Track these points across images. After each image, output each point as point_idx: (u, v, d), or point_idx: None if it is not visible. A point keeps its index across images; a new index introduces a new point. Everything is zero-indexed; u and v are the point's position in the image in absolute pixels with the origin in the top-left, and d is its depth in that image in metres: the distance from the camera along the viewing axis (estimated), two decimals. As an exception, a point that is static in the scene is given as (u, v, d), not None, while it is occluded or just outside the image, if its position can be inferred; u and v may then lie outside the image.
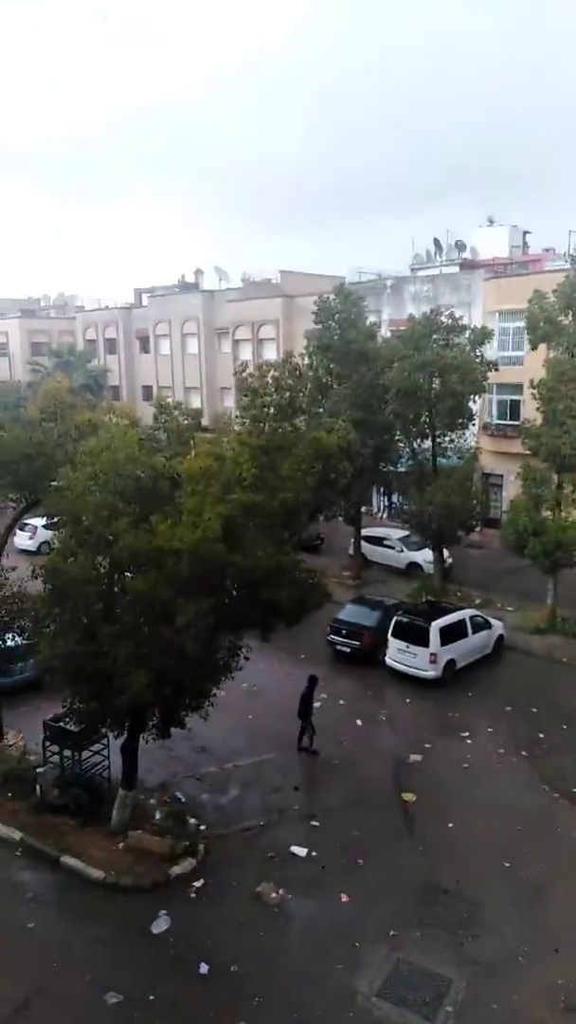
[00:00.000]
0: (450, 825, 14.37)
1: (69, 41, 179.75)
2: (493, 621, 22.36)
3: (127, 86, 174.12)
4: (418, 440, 26.15)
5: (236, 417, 17.44)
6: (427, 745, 17.31)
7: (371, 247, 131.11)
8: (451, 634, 20.38)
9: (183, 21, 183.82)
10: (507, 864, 13.23)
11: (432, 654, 19.84)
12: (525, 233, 46.77)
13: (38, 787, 14.48)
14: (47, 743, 14.69)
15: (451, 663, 20.34)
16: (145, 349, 50.37)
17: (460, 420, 25.20)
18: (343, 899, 12.41)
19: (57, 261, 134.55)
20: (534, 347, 23.76)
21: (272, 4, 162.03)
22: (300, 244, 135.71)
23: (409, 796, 15.29)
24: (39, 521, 26.23)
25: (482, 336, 24.86)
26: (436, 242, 44.81)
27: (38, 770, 14.74)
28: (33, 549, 29.83)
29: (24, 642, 14.28)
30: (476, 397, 25.58)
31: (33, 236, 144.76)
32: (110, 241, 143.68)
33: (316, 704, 19.21)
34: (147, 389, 49.72)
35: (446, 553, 27.56)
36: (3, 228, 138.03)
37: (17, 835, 13.70)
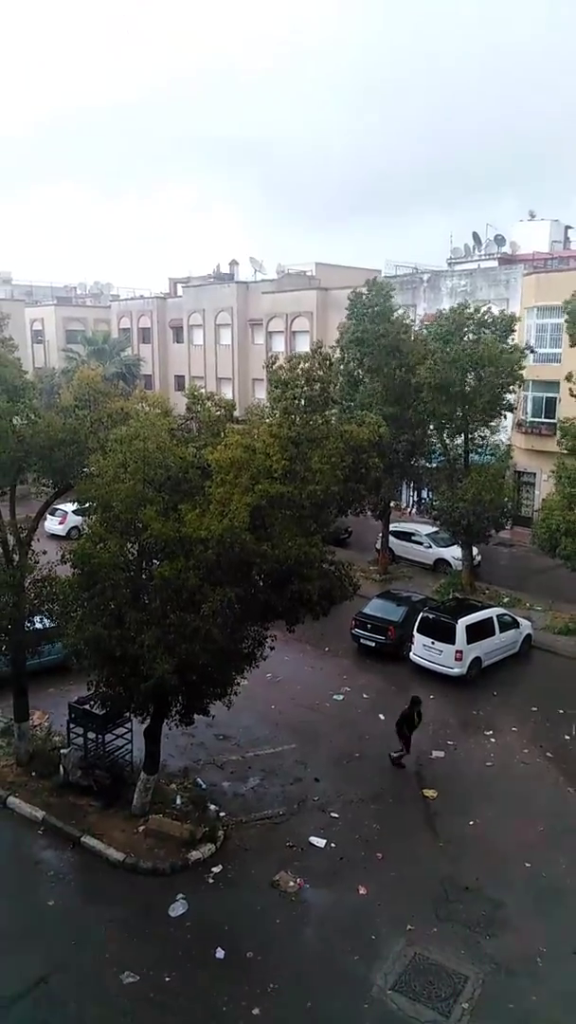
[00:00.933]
0: (471, 823, 14.28)
1: (106, 23, 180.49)
2: (521, 620, 22.11)
3: (167, 73, 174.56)
4: (450, 435, 25.91)
5: (267, 408, 17.43)
6: (450, 742, 17.19)
7: (413, 242, 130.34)
8: (478, 632, 20.20)
9: (234, 12, 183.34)
10: (528, 864, 13.11)
11: (458, 651, 19.69)
12: (567, 228, 45.93)
13: (62, 768, 14.69)
14: (72, 725, 14.89)
15: (477, 661, 20.17)
16: (178, 339, 50.60)
17: (498, 413, 24.90)
18: (361, 891, 12.41)
19: (94, 249, 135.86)
20: (573, 343, 23.35)
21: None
22: (342, 238, 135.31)
23: (431, 792, 15.21)
24: (69, 506, 26.57)
25: (508, 325, 24.48)
26: (475, 236, 44.26)
27: (62, 751, 14.96)
28: (63, 534, 30.31)
29: (52, 625, 14.45)
30: (513, 389, 25.23)
31: (71, 224, 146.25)
32: (148, 231, 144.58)
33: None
34: (179, 379, 49.98)
35: (475, 550, 27.30)
36: (43, 217, 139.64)
37: (40, 814, 13.93)
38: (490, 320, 24.67)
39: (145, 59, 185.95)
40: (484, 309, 25.34)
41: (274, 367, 22.33)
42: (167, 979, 10.56)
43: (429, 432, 26.06)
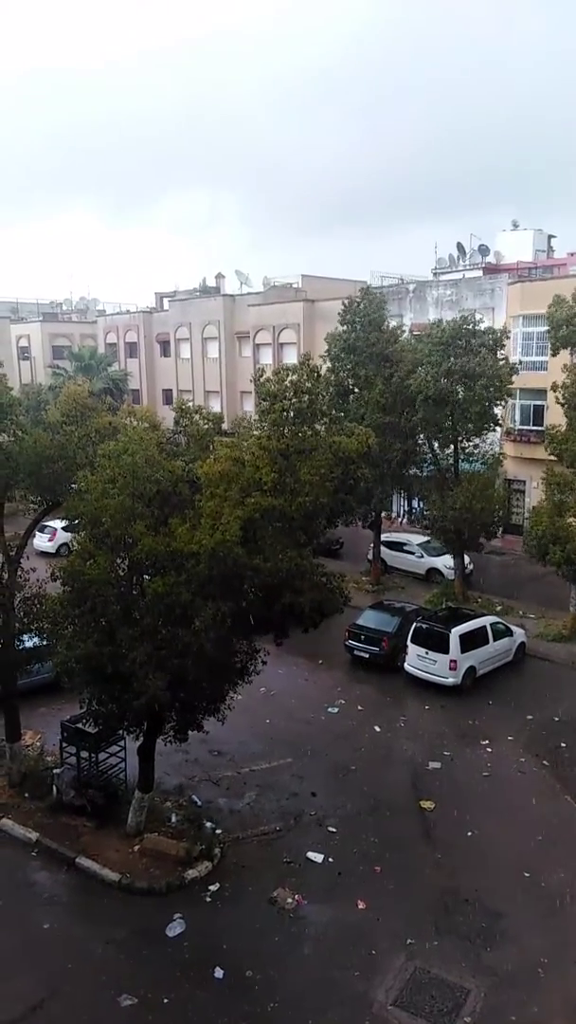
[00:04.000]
0: (469, 834, 14.19)
1: (98, 39, 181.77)
2: (514, 628, 22.11)
3: (154, 89, 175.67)
4: (441, 445, 26.02)
5: (255, 421, 17.45)
6: (446, 753, 17.13)
7: (398, 254, 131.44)
8: (471, 641, 20.17)
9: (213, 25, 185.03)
10: (527, 874, 13.03)
11: (452, 661, 19.65)
12: (550, 237, 46.43)
13: (55, 788, 14.53)
14: (64, 744, 14.73)
15: (471, 670, 20.13)
16: (165, 353, 50.64)
17: (486, 425, 25.07)
18: (360, 906, 12.29)
19: (78, 266, 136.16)
20: (555, 352, 23.55)
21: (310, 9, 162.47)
22: (328, 251, 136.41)
23: (428, 804, 15.12)
24: (58, 523, 26.43)
25: (497, 338, 24.69)
26: (460, 246, 44.64)
27: (55, 771, 14.79)
28: (52, 551, 30.11)
29: (43, 643, 14.33)
30: (501, 402, 25.43)
31: (56, 240, 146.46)
32: (133, 246, 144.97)
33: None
34: (167, 393, 49.96)
35: (467, 559, 27.33)
36: (27, 233, 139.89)
37: (33, 836, 13.75)
38: (485, 333, 24.82)
39: (131, 70, 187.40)
40: (479, 319, 25.56)
41: (262, 380, 22.39)
42: (165, 1000, 10.41)
43: (420, 441, 26.15)
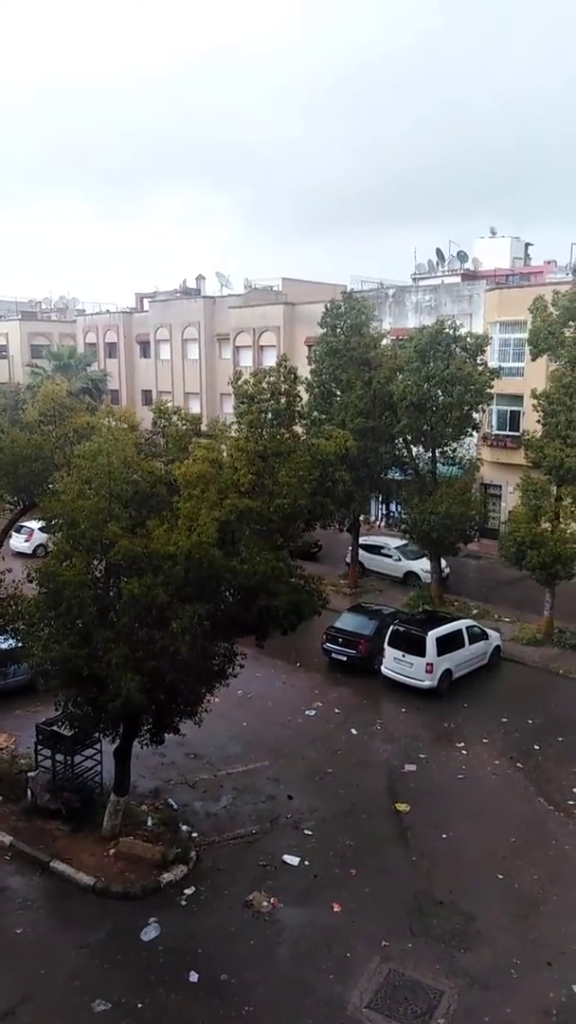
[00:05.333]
0: (444, 836, 14.28)
1: (89, 37, 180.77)
2: (490, 632, 22.30)
3: (145, 82, 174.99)
4: (419, 449, 26.18)
5: (233, 423, 17.43)
6: (422, 755, 17.21)
7: (381, 259, 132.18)
8: (448, 644, 20.31)
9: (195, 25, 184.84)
10: (501, 876, 13.14)
11: (428, 664, 19.77)
12: (527, 245, 46.94)
13: (29, 791, 14.38)
14: (39, 747, 14.58)
15: (447, 673, 20.27)
16: (145, 354, 50.42)
17: (465, 430, 25.26)
18: (335, 909, 12.30)
19: (59, 264, 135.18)
20: (535, 358, 23.81)
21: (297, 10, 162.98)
22: (314, 255, 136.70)
23: (403, 806, 15.19)
24: (35, 524, 26.19)
25: (479, 344, 24.92)
26: (438, 252, 44.93)
27: (30, 774, 14.63)
28: (29, 552, 29.85)
29: (18, 645, 14.18)
30: (480, 407, 25.62)
31: (35, 238, 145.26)
32: (114, 245, 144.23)
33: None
34: (147, 394, 49.75)
35: (444, 563, 27.52)
36: (7, 231, 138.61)
37: (7, 839, 13.59)
38: (464, 339, 25.00)
39: (125, 61, 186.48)
40: (459, 325, 25.72)
41: (239, 382, 22.41)
42: (139, 1006, 10.33)
43: (399, 446, 26.28)
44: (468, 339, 24.96)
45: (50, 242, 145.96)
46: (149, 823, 14.06)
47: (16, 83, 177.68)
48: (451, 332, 24.85)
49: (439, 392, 24.08)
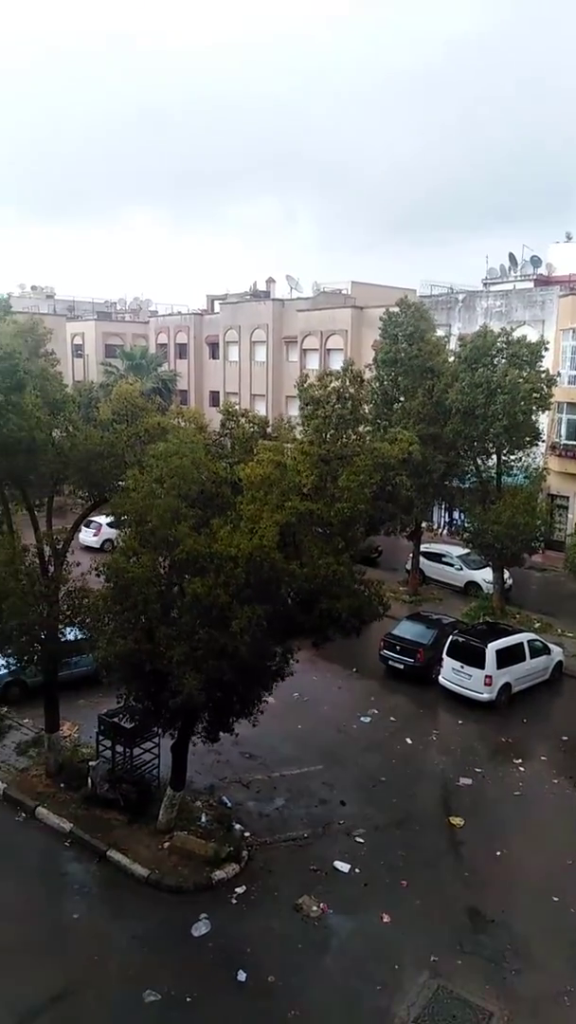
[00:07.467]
0: (498, 853, 14.01)
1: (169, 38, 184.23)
2: (552, 646, 21.75)
3: (215, 86, 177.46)
4: (482, 457, 25.73)
5: (298, 426, 17.50)
6: (478, 769, 16.93)
7: (455, 264, 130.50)
8: (508, 657, 19.91)
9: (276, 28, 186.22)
10: (556, 899, 12.80)
11: (487, 676, 19.43)
12: (605, 250, 45.51)
13: (89, 780, 14.76)
14: (101, 737, 14.97)
15: (506, 687, 19.87)
16: (214, 355, 51.11)
17: (526, 439, 24.66)
18: (384, 919, 12.23)
19: (137, 268, 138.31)
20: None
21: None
22: (391, 258, 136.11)
23: (457, 820, 14.97)
24: (103, 519, 26.86)
25: (534, 351, 24.21)
26: (511, 257, 44.07)
27: (91, 763, 15.04)
28: (97, 546, 30.64)
29: (83, 636, 14.57)
30: (538, 415, 24.89)
31: (113, 239, 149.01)
32: (191, 250, 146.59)
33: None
34: (214, 394, 50.42)
35: (507, 573, 26.98)
36: (91, 233, 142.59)
37: (67, 826, 14.00)
38: (515, 346, 24.38)
39: (206, 62, 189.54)
40: (511, 332, 25.09)
41: (305, 385, 22.44)
42: (188, 1000, 10.49)
43: (461, 453, 25.90)
44: (522, 347, 24.26)
45: (130, 247, 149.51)
46: (203, 819, 14.26)
47: (122, 112, 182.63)
48: (500, 339, 24.26)
49: (483, 399, 23.54)
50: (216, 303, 54.32)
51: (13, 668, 16.10)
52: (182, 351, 53.25)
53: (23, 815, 14.50)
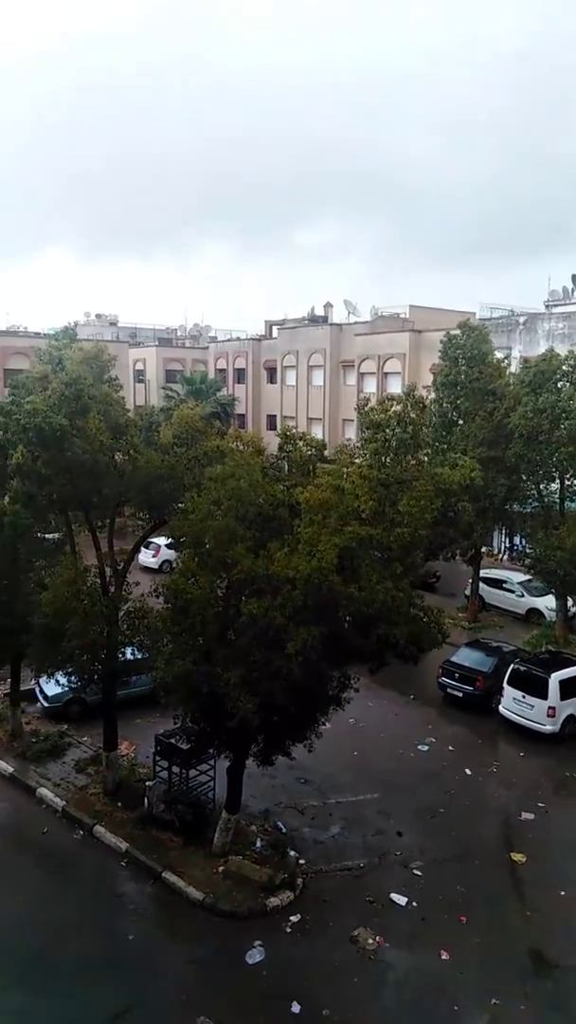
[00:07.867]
0: (562, 893, 13.43)
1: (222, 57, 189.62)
2: (620, 677, 20.90)
3: (267, 111, 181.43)
4: (545, 482, 25.18)
5: (357, 449, 17.44)
6: (541, 804, 16.34)
7: (515, 288, 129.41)
8: (572, 688, 19.23)
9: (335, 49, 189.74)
10: (626, 945, 12.20)
11: (551, 707, 18.80)
12: None
13: (146, 800, 14.86)
14: (157, 758, 15.07)
15: (571, 718, 19.17)
16: (272, 379, 51.69)
17: None
18: (443, 956, 11.84)
19: (198, 292, 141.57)
20: None
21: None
22: (446, 284, 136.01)
23: (519, 857, 14.45)
24: (162, 540, 27.29)
25: None
26: (574, 279, 43.42)
27: (147, 783, 15.14)
28: (156, 567, 31.13)
29: (141, 656, 14.75)
30: None
31: (174, 267, 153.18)
32: (255, 277, 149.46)
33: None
34: (271, 418, 50.89)
35: (571, 601, 26.17)
36: (157, 264, 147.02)
37: (124, 846, 14.09)
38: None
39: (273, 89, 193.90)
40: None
41: (366, 409, 22.37)
42: (241, 1028, 10.36)
43: (524, 478, 25.41)
44: None
45: (195, 274, 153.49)
46: (258, 844, 14.15)
47: (182, 147, 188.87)
48: (567, 363, 23.76)
49: (546, 424, 23.07)
50: (274, 328, 55.07)
51: (74, 686, 16.41)
52: (240, 376, 54.06)
53: (81, 833, 14.68)
